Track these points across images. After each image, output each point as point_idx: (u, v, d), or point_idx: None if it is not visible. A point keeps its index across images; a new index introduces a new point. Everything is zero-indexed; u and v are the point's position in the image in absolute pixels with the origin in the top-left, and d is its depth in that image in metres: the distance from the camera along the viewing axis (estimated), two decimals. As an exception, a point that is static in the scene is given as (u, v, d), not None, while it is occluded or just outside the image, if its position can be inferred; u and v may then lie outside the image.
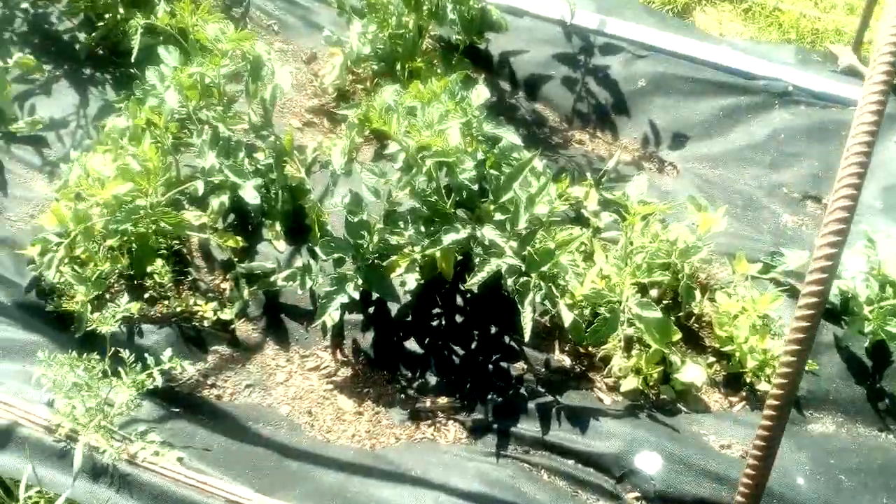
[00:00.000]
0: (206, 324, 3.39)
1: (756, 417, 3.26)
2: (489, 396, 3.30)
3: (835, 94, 4.48)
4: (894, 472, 3.13)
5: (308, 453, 3.08)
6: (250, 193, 3.40)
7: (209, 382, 3.27)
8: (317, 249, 3.32)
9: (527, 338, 3.01)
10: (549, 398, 3.27)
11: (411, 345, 3.43)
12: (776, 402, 2.24)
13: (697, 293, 3.42)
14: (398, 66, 4.10)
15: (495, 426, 3.22)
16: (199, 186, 3.43)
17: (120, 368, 2.88)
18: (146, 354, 3.03)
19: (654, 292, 3.48)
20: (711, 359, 3.43)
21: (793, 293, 3.57)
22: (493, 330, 3.46)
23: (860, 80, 4.59)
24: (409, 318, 3.49)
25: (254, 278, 3.53)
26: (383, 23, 4.05)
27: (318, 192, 3.79)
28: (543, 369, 3.37)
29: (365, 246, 3.24)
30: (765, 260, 3.66)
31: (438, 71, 4.18)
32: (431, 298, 3.52)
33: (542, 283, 3.12)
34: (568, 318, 3.10)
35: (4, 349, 3.12)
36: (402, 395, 3.35)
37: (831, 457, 3.15)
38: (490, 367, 3.38)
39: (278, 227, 3.65)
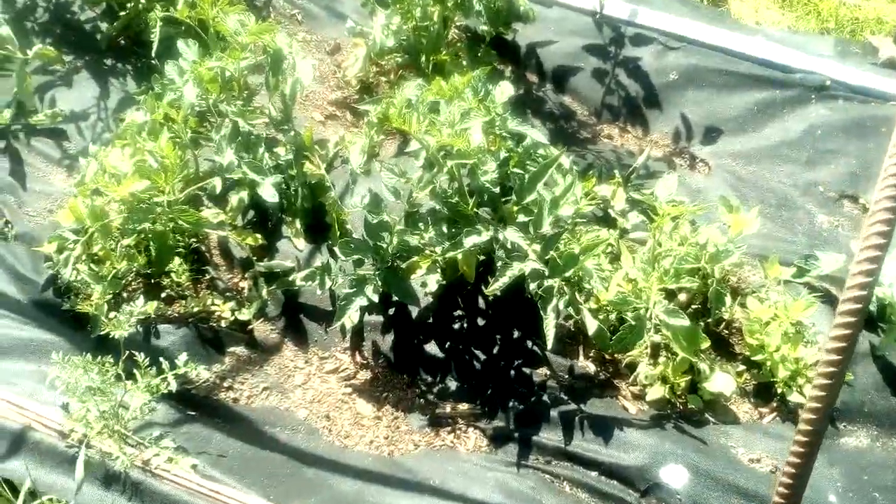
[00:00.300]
0: (223, 324, 3.33)
1: (787, 430, 3.17)
2: (511, 403, 3.22)
3: (875, 89, 4.31)
4: (931, 490, 3.03)
5: (325, 460, 3.03)
6: (268, 191, 3.33)
7: (226, 385, 3.22)
8: (336, 249, 3.25)
9: (550, 345, 2.92)
10: (573, 406, 3.19)
11: (432, 348, 3.36)
12: (812, 416, 2.14)
13: (728, 298, 3.30)
14: (422, 59, 4.00)
15: (516, 434, 3.14)
16: (217, 184, 3.37)
17: (135, 371, 2.84)
18: (162, 356, 3.00)
19: (682, 297, 3.37)
20: (741, 367, 3.32)
21: (828, 299, 3.45)
22: (516, 334, 3.38)
23: (904, 74, 4.43)
24: (431, 321, 3.41)
25: (273, 277, 3.46)
26: (407, 14, 3.94)
27: (340, 189, 3.71)
28: (567, 376, 3.28)
29: (384, 248, 3.17)
30: (799, 263, 3.53)
31: (464, 63, 4.08)
32: (453, 300, 3.44)
33: (566, 289, 3.03)
34: (592, 325, 3.00)
35: (20, 348, 3.10)
36: (422, 400, 3.28)
37: (865, 473, 3.04)
38: (512, 372, 3.29)
39: (298, 224, 3.58)
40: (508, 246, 3.10)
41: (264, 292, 3.41)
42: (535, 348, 3.34)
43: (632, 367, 3.29)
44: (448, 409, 3.24)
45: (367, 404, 3.27)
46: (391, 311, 3.43)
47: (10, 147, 3.77)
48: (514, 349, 3.35)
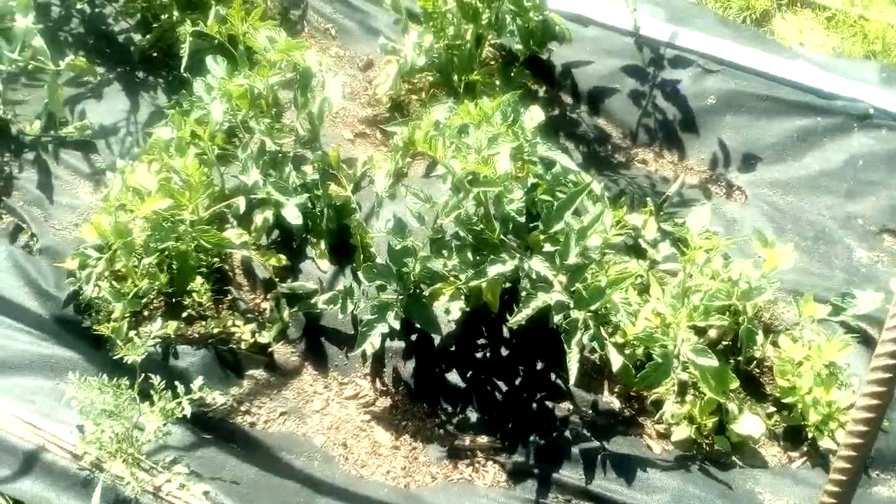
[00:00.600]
0: (243, 346, 3.30)
1: (817, 476, 3.07)
2: (531, 437, 3.15)
3: (921, 119, 4.19)
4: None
5: (340, 489, 2.98)
6: (292, 213, 3.29)
7: (243, 409, 3.18)
8: (360, 274, 3.20)
9: (573, 380, 2.85)
10: (595, 444, 3.11)
11: (453, 377, 3.29)
12: (845, 465, 2.07)
13: (759, 336, 3.19)
14: (454, 78, 3.94)
15: (536, 471, 3.07)
16: (241, 204, 3.33)
17: (151, 392, 2.80)
18: (180, 377, 2.98)
19: (712, 333, 3.27)
20: (771, 408, 3.21)
21: (864, 339, 3.34)
22: (539, 366, 3.30)
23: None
24: (453, 349, 3.35)
25: (295, 299, 3.42)
26: (440, 32, 3.89)
27: (366, 210, 3.66)
28: (590, 411, 3.20)
29: (407, 274, 3.11)
30: (835, 301, 3.41)
31: (496, 83, 4.01)
32: (476, 328, 3.37)
33: (591, 323, 2.94)
34: (617, 361, 2.91)
35: (39, 365, 3.08)
36: (441, 431, 3.21)
37: (897, 524, 2.94)
38: (534, 405, 3.22)
39: (323, 245, 3.54)
40: (533, 276, 3.03)
41: (286, 314, 3.37)
42: (559, 381, 3.26)
43: (658, 404, 3.20)
44: (467, 441, 3.17)
45: (385, 433, 3.21)
46: (414, 338, 3.37)
47: (40, 159, 3.77)
48: (537, 381, 3.27)
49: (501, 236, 3.05)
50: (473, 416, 3.23)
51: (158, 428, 2.78)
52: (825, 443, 3.08)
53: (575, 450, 3.09)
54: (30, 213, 3.57)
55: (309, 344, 3.39)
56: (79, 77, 4.08)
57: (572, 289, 2.95)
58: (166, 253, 3.24)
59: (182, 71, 3.65)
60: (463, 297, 3.24)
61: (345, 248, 3.55)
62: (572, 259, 2.98)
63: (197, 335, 3.28)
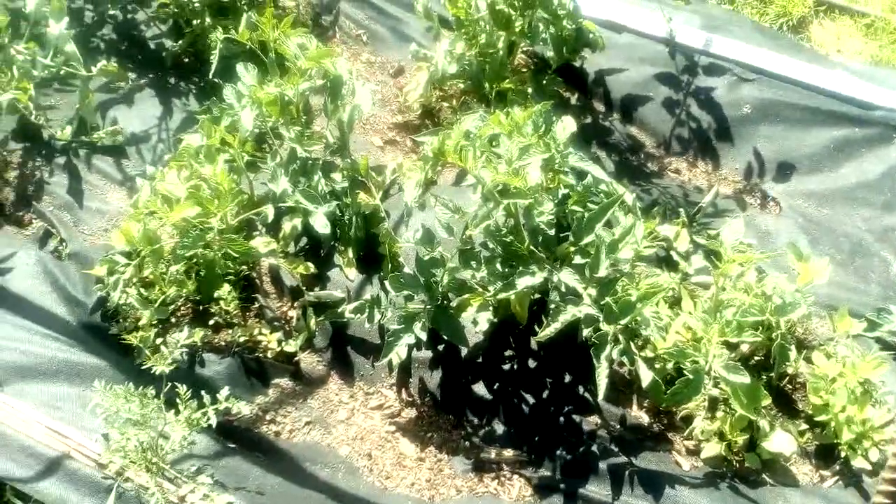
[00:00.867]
0: (269, 355, 3.29)
1: (850, 496, 3.01)
2: (558, 452, 3.11)
3: (961, 130, 4.09)
4: None
5: (364, 501, 2.97)
6: (320, 221, 3.27)
7: (268, 418, 3.18)
8: (387, 283, 3.18)
9: (602, 395, 2.79)
10: (623, 459, 3.06)
11: (480, 389, 3.26)
12: (889, 488, 2.01)
13: (793, 352, 3.13)
14: (486, 86, 3.90)
15: (562, 486, 3.03)
16: (269, 212, 3.31)
17: (177, 400, 2.79)
18: (206, 386, 2.99)
19: (744, 348, 3.21)
20: (803, 425, 3.15)
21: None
22: (567, 379, 3.26)
23: None
24: (480, 360, 3.32)
25: (322, 307, 3.41)
26: (471, 40, 3.86)
27: (395, 218, 3.63)
28: (618, 426, 3.15)
29: (435, 285, 3.08)
30: (871, 317, 3.35)
31: (528, 91, 3.97)
32: (504, 340, 3.34)
33: (621, 337, 2.90)
34: (647, 377, 2.86)
35: (66, 372, 3.09)
36: (467, 443, 3.18)
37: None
38: (561, 419, 3.18)
39: (350, 253, 3.52)
40: (563, 288, 2.99)
41: (312, 323, 3.36)
42: (587, 395, 3.22)
43: (687, 419, 3.14)
44: (493, 454, 3.14)
45: (410, 444, 3.19)
46: (441, 348, 3.34)
47: (70, 164, 3.78)
48: (564, 395, 3.23)
49: (531, 248, 3.02)
50: (500, 428, 3.20)
51: (184, 437, 2.77)
52: (858, 462, 3.00)
53: (602, 465, 3.04)
54: (59, 218, 3.59)
55: (335, 353, 3.37)
56: (110, 82, 4.10)
57: (602, 302, 2.91)
58: (194, 260, 3.24)
59: (212, 77, 3.65)
60: (491, 308, 3.20)
61: (373, 257, 3.54)
62: (602, 272, 2.94)
63: (223, 343, 3.28)
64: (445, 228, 3.12)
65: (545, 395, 3.24)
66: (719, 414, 3.08)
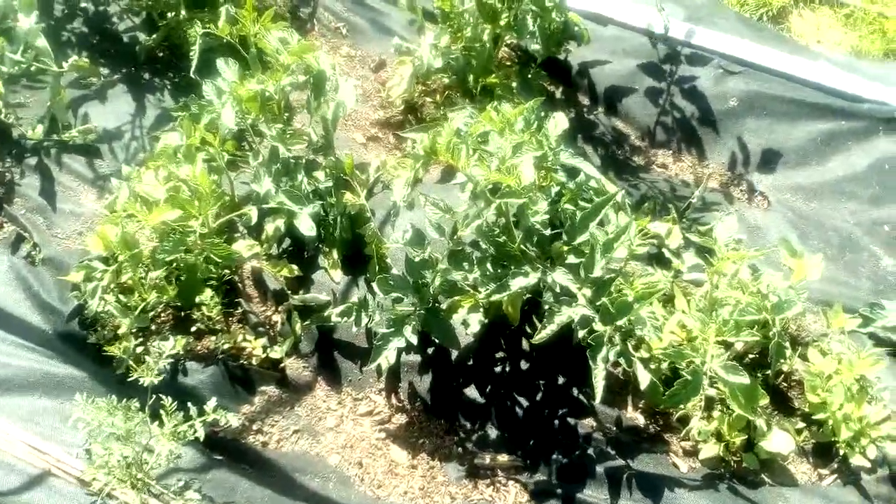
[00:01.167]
0: (254, 361, 3.19)
1: (849, 494, 2.99)
2: (554, 456, 3.06)
3: (948, 122, 4.08)
4: None
5: (357, 511, 2.88)
6: (306, 223, 3.17)
7: (255, 427, 3.08)
8: (374, 285, 3.09)
9: (598, 398, 2.72)
10: (620, 462, 3.01)
11: (471, 392, 3.20)
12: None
13: (788, 349, 3.09)
14: (471, 81, 3.82)
15: (559, 491, 2.98)
16: (253, 215, 3.21)
17: (161, 412, 2.69)
18: (190, 396, 2.91)
19: (738, 346, 3.17)
20: (800, 424, 3.12)
21: (894, 351, 3.23)
22: (561, 380, 3.20)
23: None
24: (471, 363, 3.25)
25: (307, 311, 3.32)
26: (457, 33, 3.77)
27: (380, 217, 3.55)
28: (614, 428, 3.10)
29: (426, 286, 3.00)
30: (864, 312, 3.32)
31: (513, 86, 3.89)
32: (495, 341, 3.27)
33: (617, 338, 2.83)
34: (644, 379, 2.81)
35: (44, 384, 2.97)
36: (460, 449, 3.12)
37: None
38: (556, 422, 3.12)
39: (335, 254, 3.43)
40: (557, 289, 2.92)
41: (298, 327, 3.27)
42: (581, 397, 3.16)
43: (684, 420, 3.10)
44: (487, 459, 3.07)
45: (401, 451, 3.11)
46: (430, 351, 3.27)
47: (42, 164, 3.64)
48: (559, 397, 3.18)
49: (523, 247, 2.95)
50: (493, 432, 3.13)
51: (170, 451, 2.67)
52: (857, 460, 2.97)
53: (599, 469, 2.99)
54: (32, 221, 3.45)
55: (322, 358, 3.29)
56: (82, 78, 3.96)
57: (598, 303, 2.84)
58: (175, 265, 3.13)
59: (192, 73, 3.54)
60: (482, 309, 3.14)
61: (358, 258, 3.45)
62: (598, 272, 2.87)
63: (206, 350, 3.18)
64: (436, 229, 3.04)
65: (539, 397, 3.17)
66: (716, 414, 3.04)
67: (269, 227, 3.36)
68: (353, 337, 3.29)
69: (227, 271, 3.32)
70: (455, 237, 3.05)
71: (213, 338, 3.18)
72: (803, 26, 5.36)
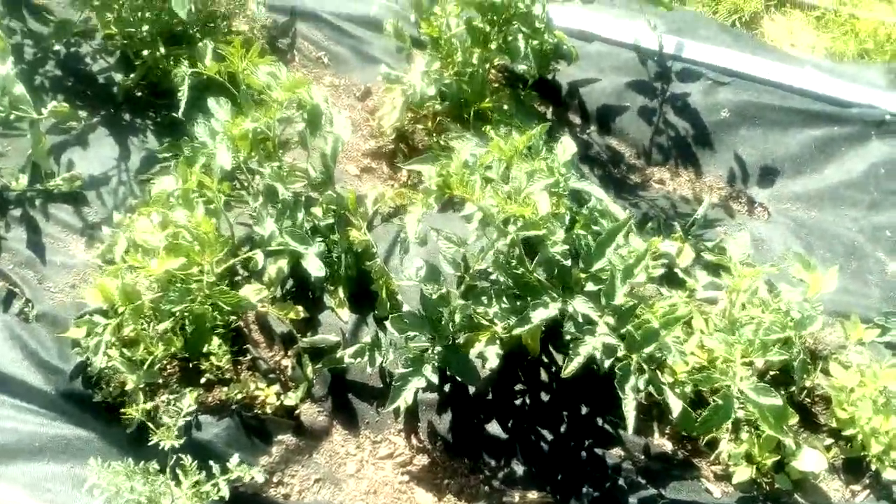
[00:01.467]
0: (268, 410, 3.08)
1: (884, 510, 2.95)
2: (584, 489, 3.00)
3: (939, 123, 4.10)
4: None
5: (388, 561, 2.79)
6: (314, 264, 3.07)
7: (275, 479, 2.99)
8: (387, 324, 3.00)
9: (631, 429, 2.67)
10: (652, 491, 2.96)
11: (493, 428, 3.12)
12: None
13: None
14: (468, 107, 3.75)
15: (594, 526, 2.91)
16: (259, 259, 3.10)
17: (177, 469, 2.58)
18: (206, 450, 2.85)
19: (758, 363, 3.13)
20: (828, 440, 3.09)
21: (915, 361, 3.23)
22: (584, 410, 3.15)
23: (964, 104, 4.21)
24: (490, 397, 3.18)
25: (317, 354, 3.22)
26: (446, 59, 3.70)
27: (382, 251, 3.46)
28: (643, 456, 3.05)
29: (445, 324, 2.92)
30: (879, 322, 3.32)
31: (505, 107, 3.83)
32: (512, 373, 3.20)
33: (645, 366, 2.78)
34: (677, 406, 2.75)
35: (52, 448, 2.86)
36: (487, 488, 3.04)
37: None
38: (583, 453, 3.06)
39: (341, 293, 3.34)
40: (579, 319, 2.86)
41: (309, 371, 3.17)
42: (607, 426, 3.11)
43: (712, 443, 3.06)
44: (517, 498, 3.00)
45: (427, 494, 3.03)
46: (447, 387, 3.19)
47: (27, 215, 3.50)
48: (583, 427, 3.12)
49: (540, 278, 2.89)
50: (519, 469, 3.06)
51: (193, 515, 2.57)
52: (888, 474, 2.96)
53: (632, 500, 2.95)
54: (22, 276, 3.31)
55: (336, 401, 3.19)
56: (60, 123, 3.81)
57: (622, 330, 2.79)
58: (181, 315, 3.01)
59: (175, 110, 3.42)
60: (498, 340, 3.07)
61: (365, 295, 3.36)
62: (619, 299, 2.82)
63: (218, 402, 3.07)
64: (451, 264, 2.97)
65: (563, 429, 3.11)
66: (744, 436, 3.00)
67: (272, 269, 3.25)
68: (367, 377, 3.21)
69: (233, 318, 3.20)
70: (471, 271, 2.98)
71: (225, 388, 3.07)
72: (776, 30, 5.37)
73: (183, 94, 3.39)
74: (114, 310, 2.97)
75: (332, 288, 3.35)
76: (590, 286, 2.91)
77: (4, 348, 3.06)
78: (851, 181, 3.96)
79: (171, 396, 3.02)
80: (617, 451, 3.06)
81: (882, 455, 2.96)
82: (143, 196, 3.56)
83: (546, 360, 3.18)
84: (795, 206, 3.94)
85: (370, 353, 3.07)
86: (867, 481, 3.03)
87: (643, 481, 2.99)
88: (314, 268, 3.07)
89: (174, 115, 3.61)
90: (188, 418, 2.80)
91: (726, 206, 3.94)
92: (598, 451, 3.06)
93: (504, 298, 2.91)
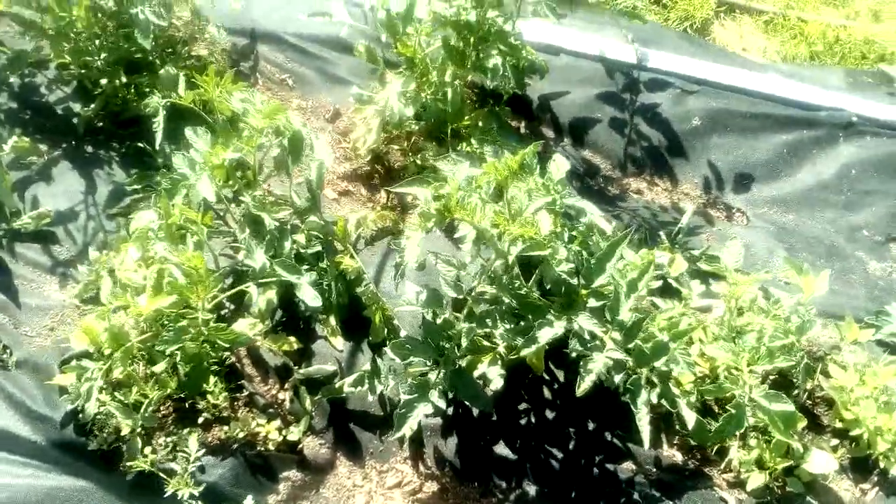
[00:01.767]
0: (270, 446, 2.98)
1: (894, 507, 2.98)
2: (599, 506, 2.96)
3: (902, 122, 4.21)
4: None
5: None
6: (309, 294, 2.98)
7: (286, 519, 2.89)
8: (386, 350, 2.94)
9: (647, 444, 2.65)
10: (668, 503, 2.94)
11: (501, 449, 3.08)
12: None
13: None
14: (447, 126, 3.70)
15: (613, 543, 2.89)
16: (253, 292, 3.01)
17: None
18: (213, 493, 2.71)
19: (757, 369, 3.14)
20: (833, 440, 3.12)
21: (909, 358, 3.28)
22: (591, 426, 3.12)
23: (924, 103, 4.33)
24: (494, 418, 3.13)
25: (314, 384, 3.14)
26: (422, 79, 3.65)
27: (370, 276, 3.38)
28: (654, 468, 3.03)
29: (451, 348, 2.87)
30: (870, 321, 3.37)
31: (492, 126, 3.79)
32: (515, 393, 3.16)
33: (656, 380, 2.77)
34: (691, 418, 2.75)
35: (49, 502, 2.69)
36: (500, 511, 2.99)
37: None
38: (595, 470, 3.03)
39: (333, 321, 3.26)
40: (586, 336, 2.83)
41: (308, 403, 3.09)
42: (616, 440, 3.09)
43: (721, 451, 3.06)
44: (532, 519, 2.96)
45: (439, 521, 2.97)
46: (449, 412, 3.13)
47: (-5, 258, 3.35)
48: (592, 443, 3.09)
49: (540, 298, 2.85)
50: (531, 489, 3.01)
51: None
52: (896, 470, 3.00)
53: (649, 514, 2.92)
54: (-4, 322, 3.16)
55: (337, 432, 3.11)
56: (21, 159, 3.65)
57: (630, 345, 2.77)
58: (176, 356, 2.90)
59: (138, 136, 3.32)
60: (499, 361, 3.03)
61: (357, 322, 3.29)
62: (624, 314, 2.80)
63: (218, 441, 2.95)
64: (454, 287, 2.92)
65: (571, 446, 3.08)
66: (752, 442, 3.01)
67: (261, 301, 3.14)
68: (368, 406, 3.13)
69: (227, 353, 3.10)
70: (473, 294, 2.94)
71: (225, 427, 2.96)
72: (727, 36, 5.47)
73: (158, 124, 3.30)
74: (100, 352, 2.85)
75: (323, 316, 3.27)
76: (592, 302, 2.89)
77: (-14, 400, 2.90)
78: (825, 183, 4.03)
79: (169, 439, 2.90)
80: (628, 465, 3.04)
81: (888, 452, 3.00)
82: (117, 231, 3.43)
83: (548, 377, 3.14)
84: (773, 209, 3.99)
85: (370, 381, 3.01)
86: (875, 479, 3.07)
87: (658, 494, 2.97)
88: (309, 297, 2.98)
89: (139, 145, 3.52)
90: (198, 462, 2.69)
91: (705, 213, 3.97)
92: (610, 466, 3.03)
93: (506, 319, 2.88)
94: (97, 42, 3.76)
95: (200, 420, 2.97)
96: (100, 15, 3.76)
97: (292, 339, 3.15)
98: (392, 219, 3.68)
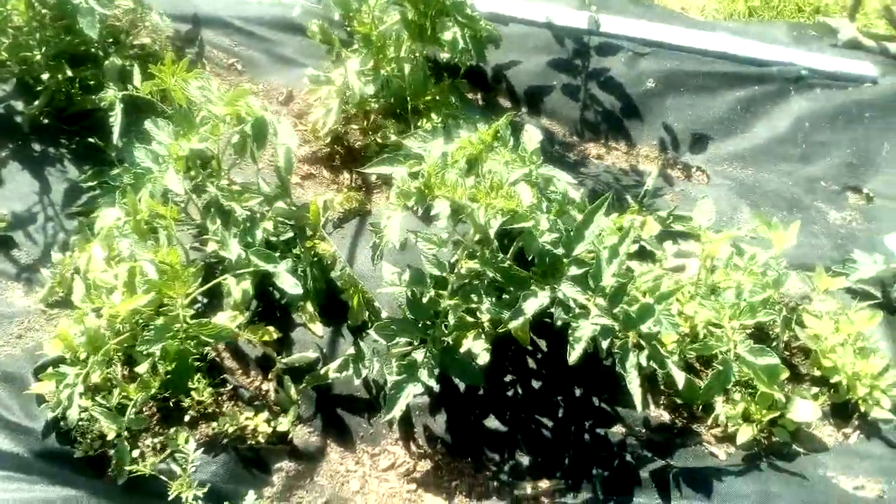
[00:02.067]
0: (261, 439, 2.93)
1: (876, 447, 3.09)
2: (594, 470, 2.99)
3: (848, 73, 4.29)
4: None
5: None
6: (289, 282, 2.92)
7: (284, 510, 2.85)
8: (370, 332, 2.91)
9: (639, 407, 2.67)
10: (660, 462, 2.98)
11: (492, 422, 3.08)
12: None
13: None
14: (410, 102, 3.65)
15: (611, 504, 2.92)
16: (232, 284, 2.95)
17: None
18: (209, 491, 2.63)
19: (734, 323, 3.20)
20: (813, 388, 3.19)
21: (881, 305, 3.36)
22: (578, 392, 3.14)
23: (867, 53, 4.42)
24: (482, 392, 3.12)
25: (297, 373, 3.10)
26: (380, 56, 3.60)
27: (344, 258, 3.34)
28: (643, 429, 3.07)
29: (439, 326, 2.85)
30: (837, 269, 3.45)
31: (437, 99, 3.75)
32: (500, 365, 3.16)
33: (643, 342, 2.79)
34: (680, 378, 2.76)
35: (38, 515, 2.62)
36: (496, 483, 2.99)
37: None
38: (586, 435, 3.06)
39: (310, 307, 3.22)
40: (570, 304, 2.84)
41: (293, 392, 3.05)
42: (604, 405, 3.11)
43: (707, 408, 3.11)
44: (528, 489, 2.96)
45: (436, 498, 2.96)
46: (435, 389, 3.10)
47: (-48, 267, 3.22)
48: (581, 409, 3.11)
49: (523, 269, 2.85)
50: (525, 459, 3.02)
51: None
52: (876, 412, 3.08)
53: (644, 474, 2.95)
54: (-39, 333, 3.04)
55: (326, 419, 3.07)
56: (-34, 163, 3.52)
57: (615, 310, 2.79)
58: (156, 355, 2.83)
59: (87, 131, 3.23)
60: (483, 336, 3.03)
61: (334, 306, 3.25)
62: (608, 280, 2.82)
63: (207, 438, 2.89)
64: (437, 265, 2.90)
65: (561, 413, 3.10)
66: (737, 396, 3.06)
67: (237, 292, 3.09)
68: (353, 390, 3.10)
69: (209, 349, 3.04)
70: (457, 270, 2.92)
71: (213, 423, 2.90)
72: (665, -5, 5.51)
73: (116, 117, 3.20)
74: (76, 357, 2.77)
75: (301, 303, 3.22)
76: (573, 270, 2.89)
77: (-41, 414, 2.80)
78: (780, 137, 4.10)
79: (156, 440, 2.84)
80: (618, 429, 3.07)
81: (867, 396, 3.08)
82: (79, 231, 3.31)
83: (531, 348, 3.15)
84: (732, 166, 4.05)
85: (355, 365, 2.97)
86: (856, 422, 3.14)
87: (649, 454, 3.01)
88: (289, 285, 2.93)
89: (90, 140, 3.41)
90: (197, 463, 2.64)
91: (665, 175, 4.01)
92: (600, 430, 3.06)
93: (492, 293, 2.87)
94: (37, 35, 3.63)
95: (187, 418, 2.91)
96: (37, 6, 3.62)
97: (271, 328, 3.10)
98: (359, 199, 3.64)
